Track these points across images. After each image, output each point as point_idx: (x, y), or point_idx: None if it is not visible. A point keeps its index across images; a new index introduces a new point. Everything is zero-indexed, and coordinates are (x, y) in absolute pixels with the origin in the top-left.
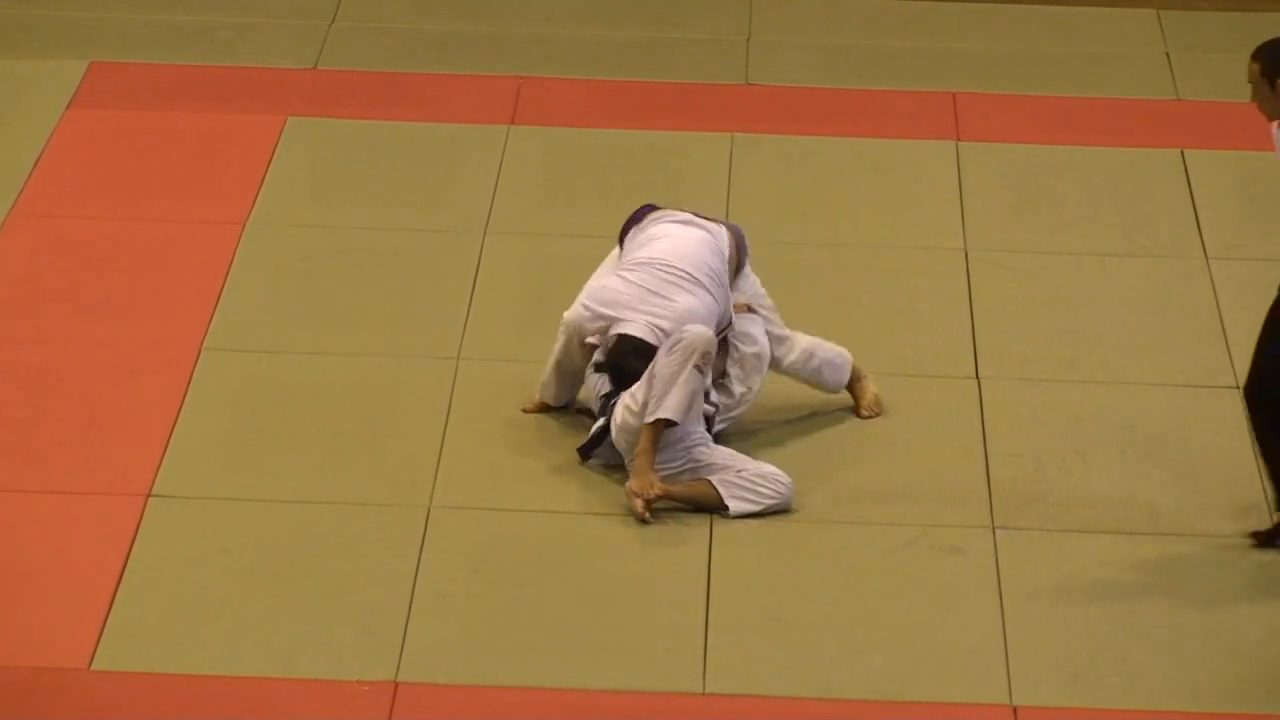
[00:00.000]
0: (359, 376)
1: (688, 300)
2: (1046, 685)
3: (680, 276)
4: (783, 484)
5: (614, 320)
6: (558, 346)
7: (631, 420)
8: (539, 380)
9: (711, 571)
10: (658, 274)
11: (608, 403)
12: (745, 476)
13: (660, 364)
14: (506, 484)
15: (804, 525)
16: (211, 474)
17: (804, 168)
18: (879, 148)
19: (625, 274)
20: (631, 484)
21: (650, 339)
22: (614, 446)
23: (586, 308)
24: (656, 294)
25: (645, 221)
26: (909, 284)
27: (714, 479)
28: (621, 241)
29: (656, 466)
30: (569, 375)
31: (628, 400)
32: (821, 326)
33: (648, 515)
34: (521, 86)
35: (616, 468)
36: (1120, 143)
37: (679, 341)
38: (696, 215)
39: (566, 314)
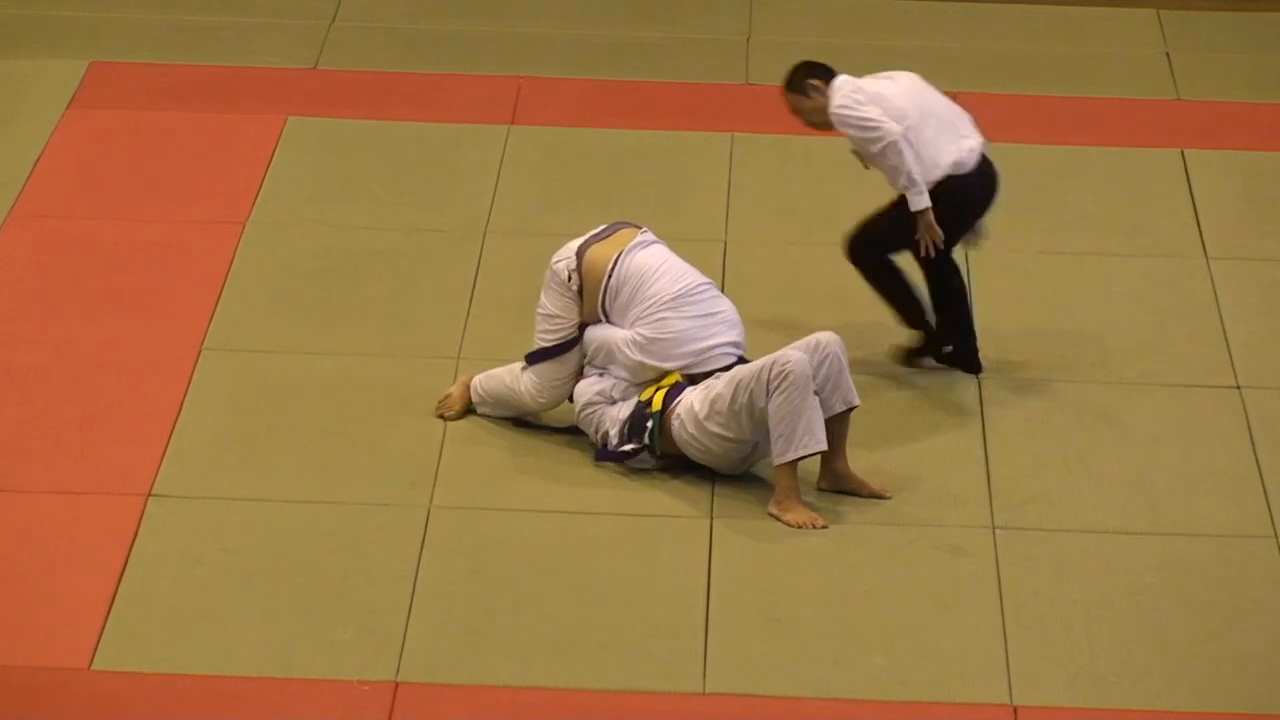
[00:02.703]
0: (359, 376)
1: (726, 303)
2: (1046, 685)
3: (707, 287)
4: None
5: (701, 357)
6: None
7: (709, 445)
8: (481, 390)
9: (711, 571)
10: (697, 299)
11: (634, 431)
12: (777, 431)
13: (776, 403)
14: (506, 484)
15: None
16: (211, 474)
17: (804, 168)
18: None
19: (672, 314)
20: (797, 519)
21: (738, 357)
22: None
23: (671, 358)
24: (709, 315)
25: (614, 269)
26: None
27: (784, 460)
28: (604, 303)
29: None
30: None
31: (698, 411)
32: (821, 326)
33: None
34: (521, 86)
35: (617, 468)
36: (1120, 143)
37: (785, 376)
38: (613, 229)
39: (637, 366)
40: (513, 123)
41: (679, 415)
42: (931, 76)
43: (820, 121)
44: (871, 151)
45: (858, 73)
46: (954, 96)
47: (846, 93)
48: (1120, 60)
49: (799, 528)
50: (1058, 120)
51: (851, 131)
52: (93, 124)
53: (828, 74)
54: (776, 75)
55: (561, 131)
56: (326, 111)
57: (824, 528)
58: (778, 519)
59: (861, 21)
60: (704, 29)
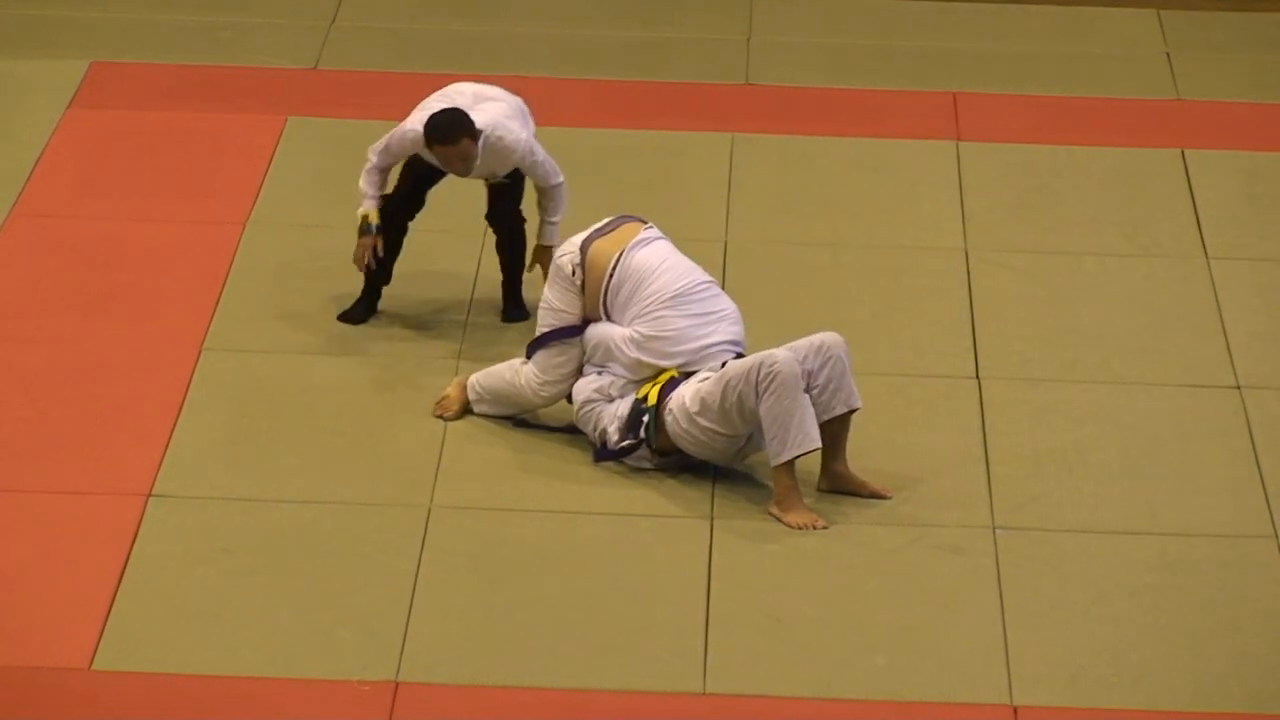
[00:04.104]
0: (359, 376)
1: (726, 302)
2: (1046, 685)
3: (708, 285)
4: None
5: (699, 355)
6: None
7: (703, 439)
8: (480, 387)
9: (711, 571)
10: (697, 297)
11: (631, 428)
12: (770, 432)
13: (767, 405)
14: (506, 484)
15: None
16: (211, 474)
17: (804, 168)
18: (879, 148)
19: (671, 313)
20: (798, 520)
21: (735, 355)
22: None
23: (669, 357)
24: (709, 313)
25: (615, 267)
26: (909, 284)
27: (780, 461)
28: (605, 300)
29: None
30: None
31: (689, 407)
32: (822, 326)
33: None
34: (521, 87)
35: (617, 469)
36: (1120, 143)
37: (773, 377)
38: (618, 222)
39: (634, 363)
40: None
41: (671, 410)
42: (932, 76)
43: (470, 168)
44: (544, 182)
45: (855, 71)
46: (954, 96)
47: (515, 130)
48: (1120, 60)
49: (799, 529)
50: (1058, 120)
51: (536, 164)
52: (93, 124)
53: None
54: (776, 75)
55: (561, 132)
56: (326, 111)
57: (824, 528)
58: (778, 520)
59: (862, 21)
60: (704, 29)
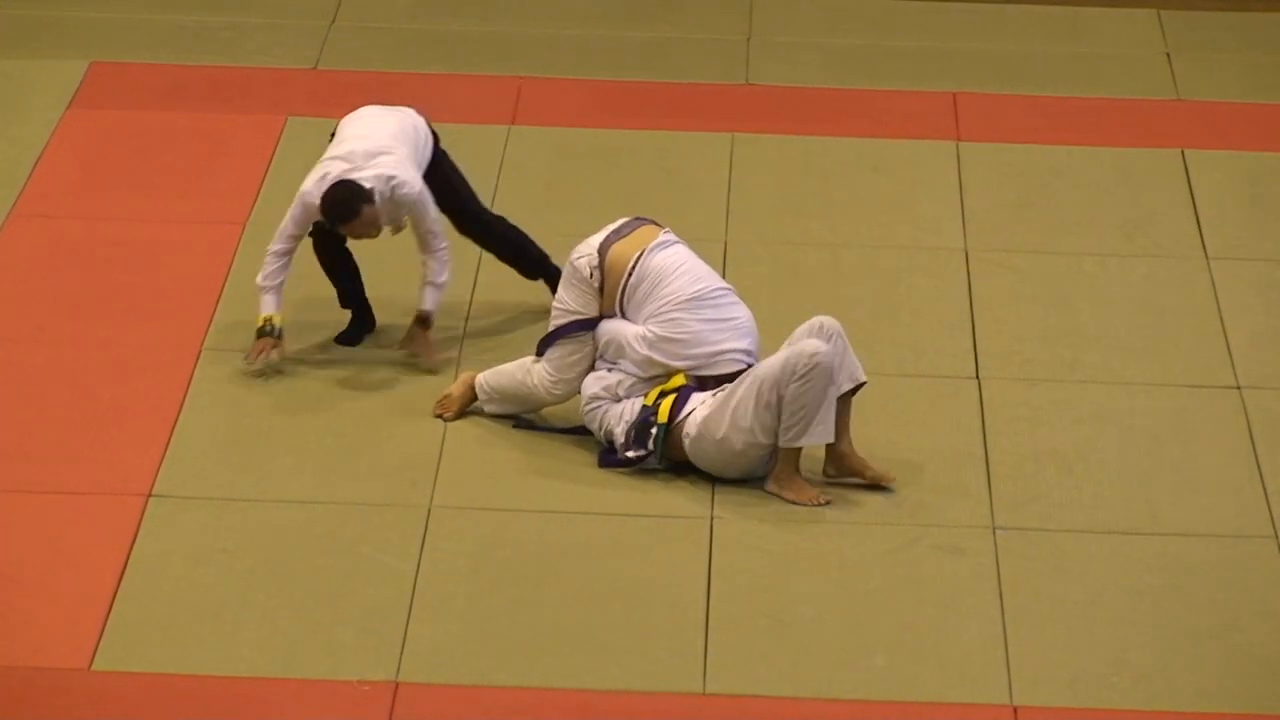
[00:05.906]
0: (359, 377)
1: (743, 310)
2: (1046, 685)
3: (725, 292)
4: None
5: (711, 360)
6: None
7: (733, 459)
8: (488, 386)
9: (711, 571)
10: (713, 302)
11: (639, 440)
12: (793, 418)
13: (797, 389)
14: (506, 484)
15: (804, 525)
16: (211, 474)
17: (804, 168)
18: (879, 148)
19: (686, 315)
20: (798, 495)
21: (747, 365)
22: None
23: (681, 358)
24: (723, 319)
25: (635, 267)
26: (909, 284)
27: (795, 444)
28: (622, 300)
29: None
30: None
31: (722, 433)
32: None
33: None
34: (521, 86)
35: (616, 470)
36: (1120, 143)
37: (814, 366)
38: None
39: (645, 361)
40: (513, 123)
41: (689, 434)
42: (932, 76)
43: (380, 229)
44: (430, 241)
45: (855, 71)
46: (954, 97)
47: (413, 180)
48: (1120, 60)
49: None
50: (1058, 120)
51: (427, 216)
52: (93, 124)
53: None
54: (776, 75)
55: (562, 132)
56: (326, 111)
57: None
58: (777, 496)
59: (861, 21)
60: (704, 29)
